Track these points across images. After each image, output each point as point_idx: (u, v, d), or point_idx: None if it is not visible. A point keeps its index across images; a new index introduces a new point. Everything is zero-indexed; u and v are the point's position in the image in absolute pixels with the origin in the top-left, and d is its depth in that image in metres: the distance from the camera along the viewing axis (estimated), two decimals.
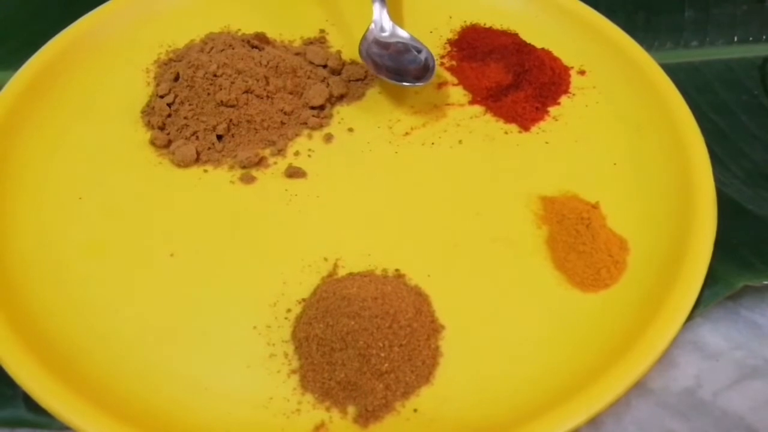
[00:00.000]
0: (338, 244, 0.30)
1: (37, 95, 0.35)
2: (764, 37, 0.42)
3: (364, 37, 0.37)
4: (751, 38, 0.42)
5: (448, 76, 0.38)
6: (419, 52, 0.36)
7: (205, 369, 0.26)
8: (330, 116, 0.36)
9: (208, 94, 0.34)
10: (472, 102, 0.36)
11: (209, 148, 0.33)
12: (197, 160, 0.33)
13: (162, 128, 0.34)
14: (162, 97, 0.35)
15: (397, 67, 0.35)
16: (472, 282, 0.29)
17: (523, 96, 0.36)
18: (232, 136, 0.34)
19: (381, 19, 0.38)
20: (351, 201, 0.32)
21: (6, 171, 0.32)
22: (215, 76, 0.34)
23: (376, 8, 0.38)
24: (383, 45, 0.36)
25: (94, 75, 0.36)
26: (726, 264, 0.30)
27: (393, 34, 0.37)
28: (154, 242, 0.30)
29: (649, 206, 0.32)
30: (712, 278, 0.29)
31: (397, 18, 0.41)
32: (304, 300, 0.28)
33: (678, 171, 0.32)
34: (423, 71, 0.35)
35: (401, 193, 0.33)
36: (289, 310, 0.28)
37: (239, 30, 0.39)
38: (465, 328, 0.28)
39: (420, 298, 0.28)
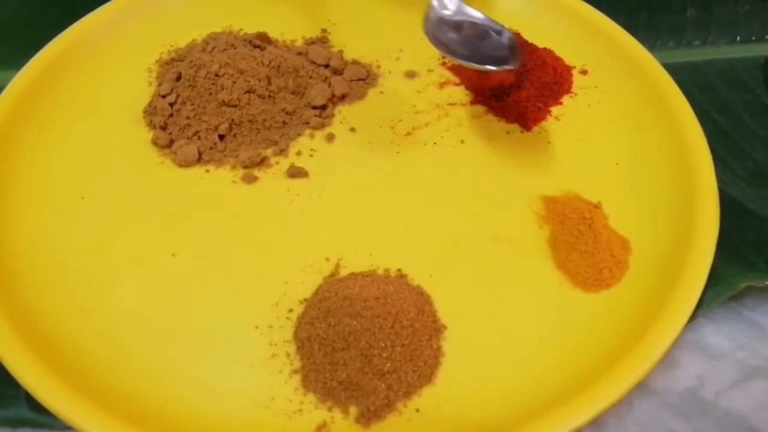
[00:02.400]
0: (340, 244, 0.30)
1: (39, 95, 0.35)
2: (767, 36, 0.42)
3: (426, 17, 0.32)
4: (753, 38, 0.42)
5: (450, 76, 0.38)
6: (499, 33, 0.31)
7: (207, 369, 0.26)
8: (332, 116, 0.35)
9: (210, 93, 0.34)
10: (474, 102, 0.36)
11: (211, 148, 0.33)
12: (199, 159, 0.33)
13: (164, 128, 0.34)
14: (164, 96, 0.35)
15: (474, 54, 0.30)
16: (474, 282, 0.29)
17: (525, 96, 0.36)
18: (234, 135, 0.34)
19: None
20: (353, 201, 0.32)
21: (8, 170, 0.32)
22: (217, 75, 0.34)
23: None
24: (454, 26, 0.31)
25: (96, 75, 0.36)
26: (728, 264, 0.30)
27: (460, 12, 0.31)
28: (156, 242, 0.30)
29: (652, 206, 0.32)
30: (714, 278, 0.29)
31: (398, 18, 0.41)
32: (306, 300, 0.28)
33: (680, 171, 0.32)
34: (508, 54, 0.30)
35: (403, 192, 0.32)
36: (291, 310, 0.28)
37: (241, 30, 0.39)
38: (467, 328, 0.28)
39: (422, 298, 0.28)
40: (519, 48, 0.31)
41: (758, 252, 0.31)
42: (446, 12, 0.32)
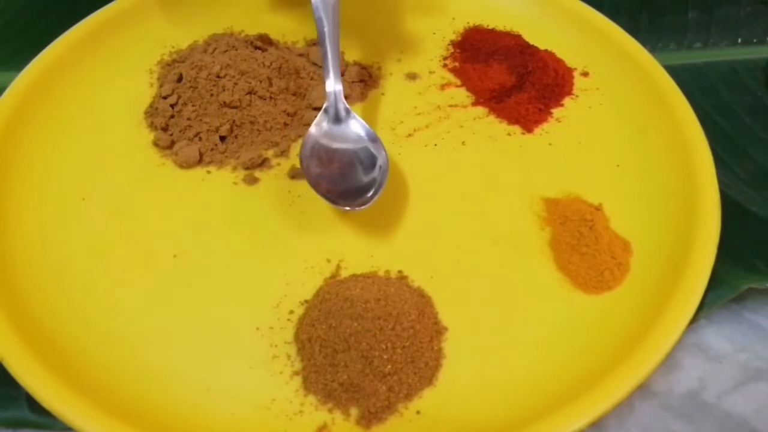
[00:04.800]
0: (341, 246, 0.30)
1: (41, 96, 0.35)
2: None
3: (308, 135, 0.31)
4: (754, 40, 0.42)
5: (451, 78, 0.38)
6: (371, 166, 0.29)
7: (208, 370, 0.26)
8: None
9: (212, 95, 0.34)
10: (475, 103, 0.36)
11: (212, 149, 0.33)
12: (200, 161, 0.33)
13: (165, 129, 0.34)
14: (165, 98, 0.35)
15: (335, 189, 0.29)
16: (475, 284, 0.29)
17: (526, 97, 0.36)
18: (235, 137, 0.34)
19: (336, 103, 0.31)
20: None
21: (9, 171, 0.32)
22: (218, 77, 0.34)
23: (329, 85, 0.31)
24: (329, 155, 0.30)
25: (98, 76, 0.36)
26: (730, 266, 0.30)
27: (345, 132, 0.31)
28: (157, 243, 0.30)
29: (653, 208, 0.32)
30: (715, 281, 0.29)
31: (399, 20, 0.41)
32: (306, 301, 0.28)
33: (681, 173, 0.32)
34: (366, 190, 0.29)
35: (404, 194, 0.32)
36: (291, 312, 0.28)
37: (242, 31, 0.39)
38: (468, 330, 0.28)
39: (423, 300, 0.28)
40: (379, 186, 0.29)
41: (760, 254, 0.31)
42: (335, 128, 0.31)
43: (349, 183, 0.30)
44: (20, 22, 0.41)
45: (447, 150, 0.34)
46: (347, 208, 0.29)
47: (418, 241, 0.31)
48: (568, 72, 0.38)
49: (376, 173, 0.30)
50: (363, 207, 0.29)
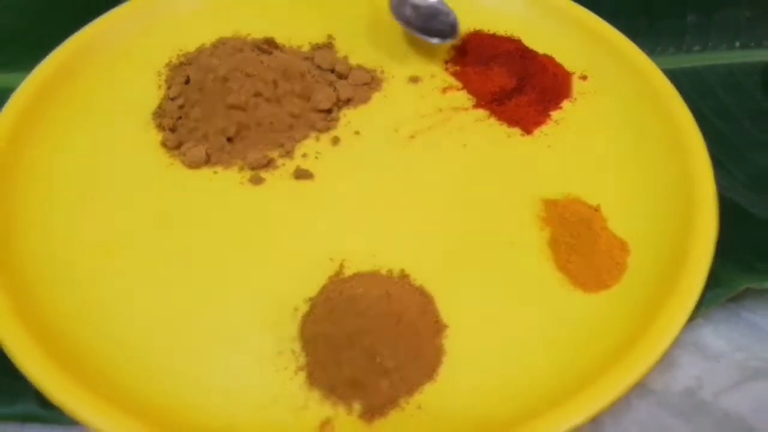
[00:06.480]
0: (344, 245, 0.31)
1: (50, 97, 0.35)
2: (766, 41, 0.42)
3: None
4: (752, 43, 0.42)
5: (452, 81, 0.38)
6: (446, 15, 0.39)
7: (213, 366, 0.27)
8: (337, 119, 0.36)
9: (218, 97, 0.34)
10: (476, 106, 0.37)
11: (219, 150, 0.34)
12: (207, 161, 0.34)
13: (173, 130, 0.34)
14: (173, 99, 0.35)
15: (424, 28, 0.38)
16: (476, 282, 0.30)
17: (526, 100, 0.37)
18: (242, 138, 0.34)
19: None
20: (357, 202, 0.33)
21: (18, 172, 0.32)
22: (225, 79, 0.34)
23: None
24: (413, 6, 0.39)
25: (106, 77, 0.37)
26: (728, 266, 0.30)
27: None
28: (164, 241, 0.30)
29: (650, 209, 0.32)
30: (713, 280, 0.29)
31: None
32: (311, 299, 0.29)
33: (679, 174, 0.32)
34: (451, 31, 0.38)
35: (406, 194, 0.33)
36: (296, 309, 0.29)
37: (249, 34, 0.39)
38: (468, 328, 0.28)
39: (424, 298, 0.29)
40: (458, 25, 0.38)
41: (758, 255, 0.31)
42: None
43: (434, 25, 0.38)
44: (30, 23, 0.41)
45: (448, 151, 0.35)
46: (435, 41, 0.37)
47: (419, 241, 0.31)
48: (567, 75, 0.38)
49: (452, 18, 0.38)
50: (449, 40, 0.38)
